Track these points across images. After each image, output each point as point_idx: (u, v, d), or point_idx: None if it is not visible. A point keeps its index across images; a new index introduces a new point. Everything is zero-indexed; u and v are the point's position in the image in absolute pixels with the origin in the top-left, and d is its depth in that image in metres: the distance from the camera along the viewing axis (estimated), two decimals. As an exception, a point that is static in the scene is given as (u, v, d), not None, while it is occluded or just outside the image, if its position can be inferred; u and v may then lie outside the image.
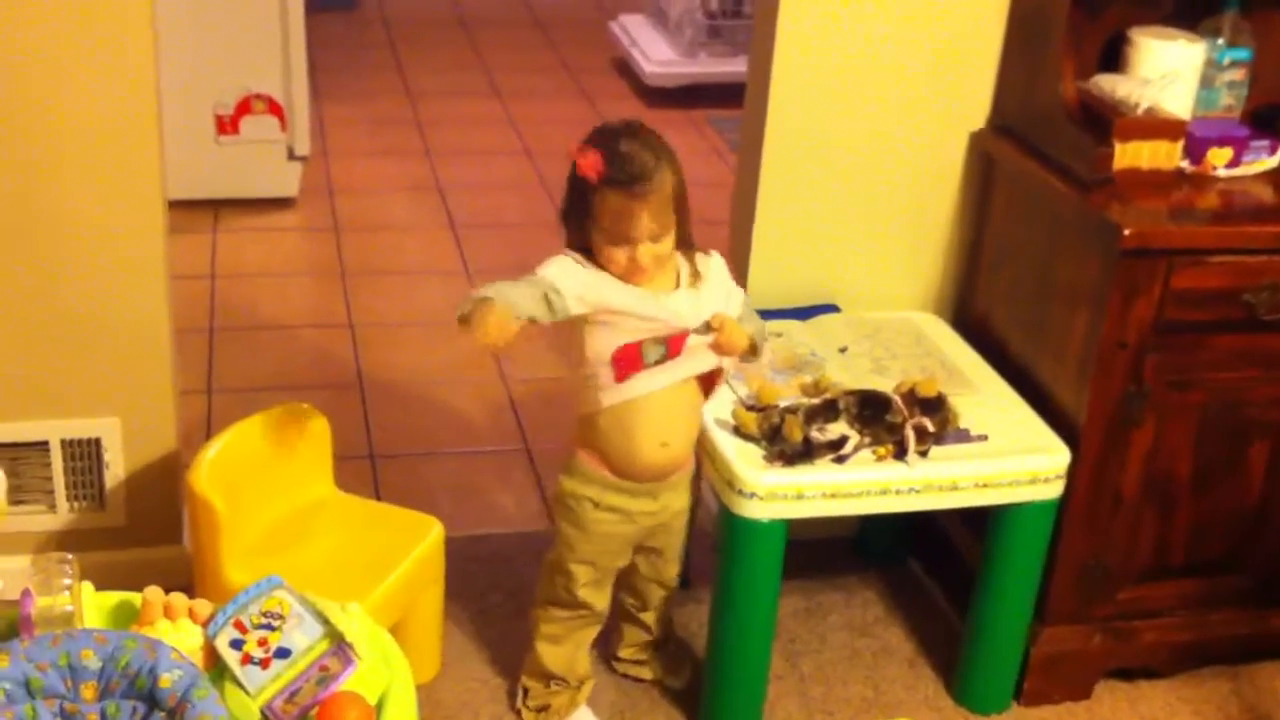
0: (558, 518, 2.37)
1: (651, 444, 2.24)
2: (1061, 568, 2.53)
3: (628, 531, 2.34)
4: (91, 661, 1.56)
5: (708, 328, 2.19)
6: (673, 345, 2.18)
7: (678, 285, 2.20)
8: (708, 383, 2.29)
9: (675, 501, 2.35)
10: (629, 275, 2.15)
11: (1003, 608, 2.52)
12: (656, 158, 2.11)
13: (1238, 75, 2.63)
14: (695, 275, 2.22)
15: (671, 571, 2.47)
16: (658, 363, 2.18)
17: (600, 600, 2.43)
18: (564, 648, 2.46)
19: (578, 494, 2.31)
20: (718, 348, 2.21)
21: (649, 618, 2.56)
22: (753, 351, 2.27)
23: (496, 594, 2.81)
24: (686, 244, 2.21)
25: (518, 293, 2.08)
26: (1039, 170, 2.53)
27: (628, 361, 2.17)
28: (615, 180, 2.09)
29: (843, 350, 2.62)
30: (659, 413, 2.23)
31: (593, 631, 2.49)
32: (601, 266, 2.15)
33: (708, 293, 2.22)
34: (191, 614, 1.78)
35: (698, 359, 2.22)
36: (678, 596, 2.58)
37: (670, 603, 2.56)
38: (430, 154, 5.10)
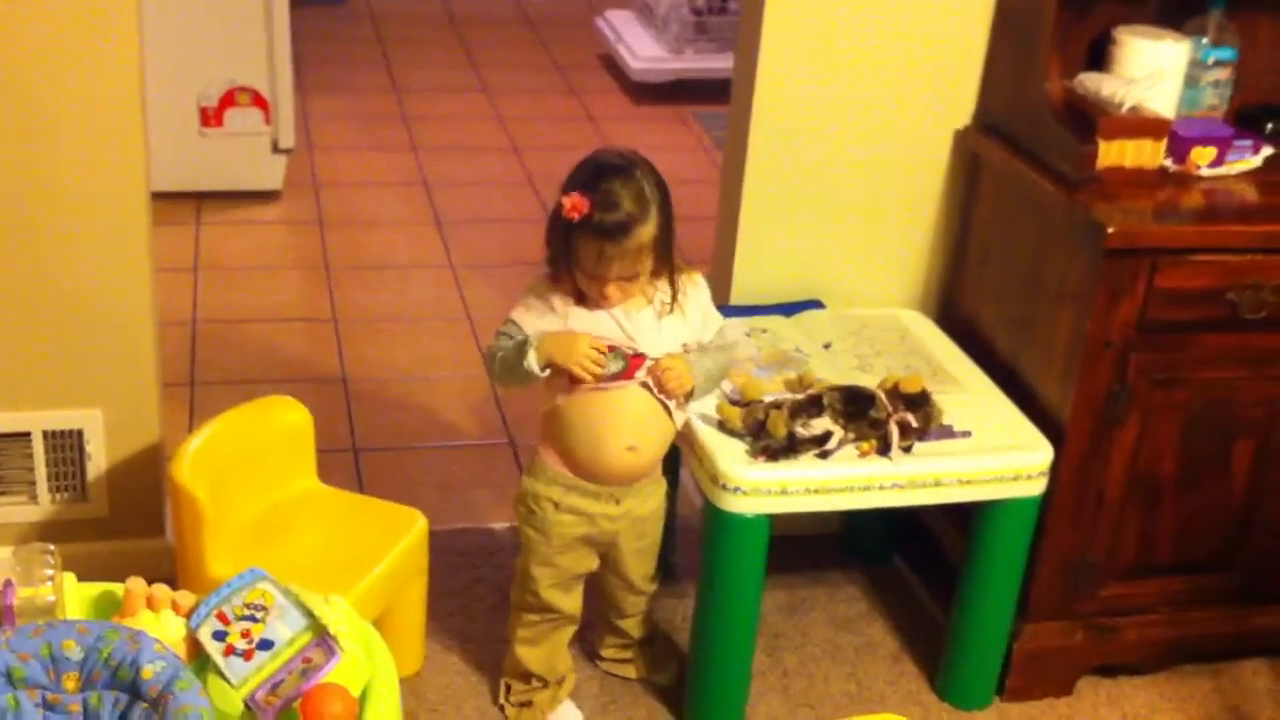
0: (519, 520, 2.37)
1: (619, 447, 2.23)
2: (1045, 564, 2.53)
3: (588, 535, 2.33)
4: (74, 652, 1.56)
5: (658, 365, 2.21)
6: (632, 365, 2.20)
7: (650, 304, 2.22)
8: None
9: (639, 507, 2.34)
10: (596, 301, 2.19)
11: (986, 604, 2.53)
12: (641, 206, 2.12)
13: (1222, 75, 2.64)
14: (674, 301, 2.23)
15: (642, 578, 2.45)
16: (614, 376, 2.19)
17: (568, 603, 2.42)
18: (540, 649, 2.46)
19: (539, 495, 2.30)
20: (657, 382, 2.22)
21: (627, 624, 2.55)
22: (688, 398, 2.27)
23: (480, 587, 2.81)
24: (669, 271, 2.22)
25: (514, 344, 2.22)
26: (1024, 168, 2.54)
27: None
28: (593, 227, 2.11)
29: (827, 346, 2.63)
30: (628, 415, 2.23)
31: (568, 632, 2.48)
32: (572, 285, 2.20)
33: (682, 321, 2.24)
34: (174, 605, 1.78)
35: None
36: (662, 590, 2.57)
37: (647, 605, 2.55)
38: (416, 149, 5.09)
